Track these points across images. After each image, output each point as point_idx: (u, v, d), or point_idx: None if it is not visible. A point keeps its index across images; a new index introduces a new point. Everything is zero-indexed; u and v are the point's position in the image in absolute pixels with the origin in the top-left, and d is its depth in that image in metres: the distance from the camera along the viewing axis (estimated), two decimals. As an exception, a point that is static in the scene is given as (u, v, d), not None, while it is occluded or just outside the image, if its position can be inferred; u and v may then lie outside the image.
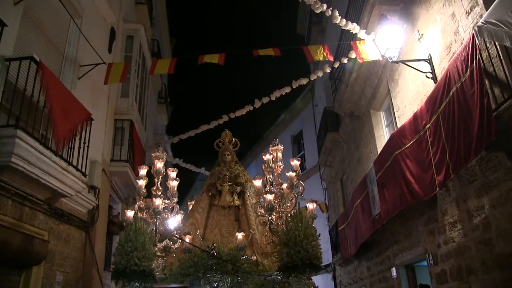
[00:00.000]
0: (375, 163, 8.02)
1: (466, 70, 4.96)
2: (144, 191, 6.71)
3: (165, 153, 7.17)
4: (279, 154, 7.22)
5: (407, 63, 6.97)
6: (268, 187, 6.93)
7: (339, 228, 11.52)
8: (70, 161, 6.03)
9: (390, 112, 9.20)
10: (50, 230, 6.07)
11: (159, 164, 6.89)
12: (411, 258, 7.60)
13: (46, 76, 5.46)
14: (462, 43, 5.55)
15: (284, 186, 6.99)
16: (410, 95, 7.58)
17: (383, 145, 7.95)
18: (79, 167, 6.32)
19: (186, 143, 12.56)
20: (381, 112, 10.15)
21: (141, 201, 6.66)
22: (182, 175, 7.51)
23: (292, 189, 6.85)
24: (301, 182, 6.97)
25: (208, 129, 11.63)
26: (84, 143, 6.56)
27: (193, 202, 8.03)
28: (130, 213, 6.47)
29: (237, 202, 7.52)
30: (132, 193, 9.84)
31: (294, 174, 6.89)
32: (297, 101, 20.55)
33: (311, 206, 6.67)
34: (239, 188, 7.63)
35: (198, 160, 14.18)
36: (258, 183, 6.93)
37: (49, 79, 5.53)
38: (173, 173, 7.09)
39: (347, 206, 10.93)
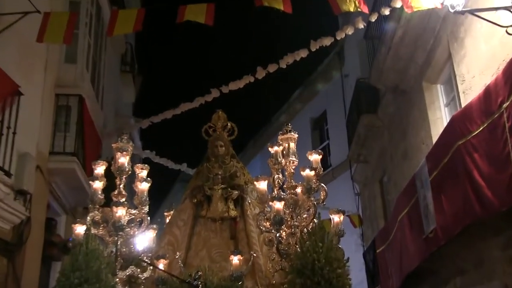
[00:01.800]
0: (429, 158, 7.99)
1: None
2: (101, 197, 6.79)
3: (131, 143, 7.21)
4: (292, 145, 7.26)
5: (477, 13, 6.86)
6: (276, 192, 7.01)
7: (377, 250, 11.52)
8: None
9: (452, 86, 9.19)
10: None
11: (123, 159, 6.95)
12: (484, 296, 7.61)
13: None
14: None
15: (299, 190, 7.04)
16: (482, 61, 7.52)
17: (441, 133, 7.98)
18: (1, 164, 6.37)
19: (161, 129, 13.19)
20: (438, 86, 10.16)
21: (96, 212, 6.73)
22: (156, 174, 7.71)
23: (310, 194, 6.90)
24: (322, 184, 7.05)
25: (193, 109, 11.74)
26: (9, 128, 6.60)
27: (172, 212, 8.07)
28: (79, 229, 6.51)
29: (233, 213, 7.62)
30: (81, 200, 9.86)
31: (313, 173, 6.93)
32: (319, 70, 20.45)
33: (337, 218, 6.77)
34: (236, 192, 7.73)
35: (178, 153, 14.43)
36: (262, 185, 7.00)
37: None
38: (142, 172, 7.18)
39: (389, 219, 10.95)
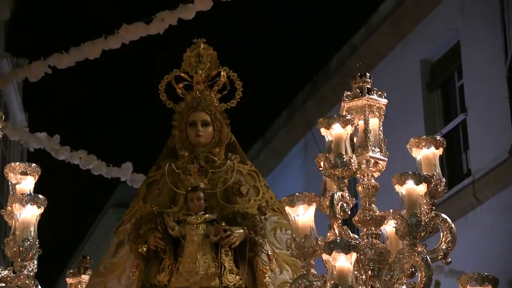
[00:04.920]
0: None
1: None
2: None
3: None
4: (375, 123, 4.99)
5: None
6: (337, 230, 4.84)
7: None
8: None
9: None
10: None
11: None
12: None
13: None
14: None
15: (389, 228, 4.90)
16: None
17: None
18: None
19: (73, 85, 9.98)
20: None
21: None
22: (64, 189, 6.71)
23: (417, 238, 4.79)
24: (444, 216, 4.76)
25: (147, 41, 8.26)
26: None
27: (85, 277, 5.88)
28: None
29: (232, 279, 5.20)
30: None
31: (423, 188, 4.80)
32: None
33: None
34: (238, 233, 5.33)
35: (113, 141, 11.95)
36: (303, 216, 4.82)
37: None
38: (25, 182, 5.05)
39: None
